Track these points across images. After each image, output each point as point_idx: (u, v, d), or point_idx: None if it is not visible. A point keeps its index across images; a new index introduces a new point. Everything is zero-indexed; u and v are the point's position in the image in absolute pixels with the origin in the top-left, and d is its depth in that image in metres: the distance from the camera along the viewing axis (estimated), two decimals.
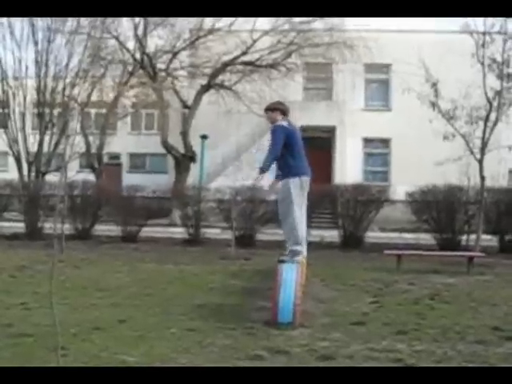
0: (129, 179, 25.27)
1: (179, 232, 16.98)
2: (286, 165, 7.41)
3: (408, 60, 19.04)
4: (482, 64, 14.10)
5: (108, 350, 5.58)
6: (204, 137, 23.33)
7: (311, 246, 12.84)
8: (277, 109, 7.65)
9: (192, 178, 23.48)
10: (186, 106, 25.53)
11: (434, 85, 14.36)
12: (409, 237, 16.16)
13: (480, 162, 14.36)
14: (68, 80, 19.85)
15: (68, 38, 19.78)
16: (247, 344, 5.89)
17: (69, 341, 5.60)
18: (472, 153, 14.44)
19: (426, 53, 16.55)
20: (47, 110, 19.43)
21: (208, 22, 23.17)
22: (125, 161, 33.29)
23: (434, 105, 14.40)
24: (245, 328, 6.52)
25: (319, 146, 26.33)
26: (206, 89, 24.66)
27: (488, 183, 14.77)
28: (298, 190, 7.39)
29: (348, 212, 16.25)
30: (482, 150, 14.30)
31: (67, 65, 19.72)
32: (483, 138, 14.26)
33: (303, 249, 7.49)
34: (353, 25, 20.80)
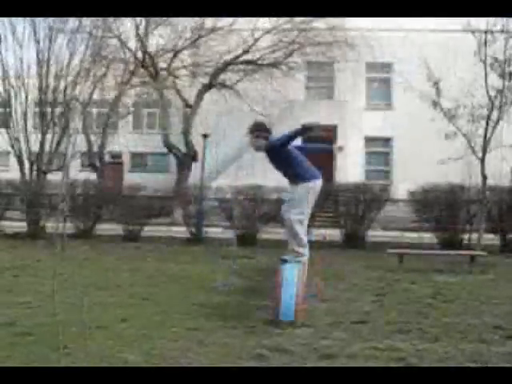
0: (130, 178, 25.26)
1: (181, 231, 16.98)
2: (301, 170, 7.37)
3: (410, 59, 19.05)
4: (484, 63, 14.08)
5: (110, 348, 5.58)
6: (206, 136, 23.32)
7: (313, 245, 12.89)
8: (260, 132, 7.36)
9: (193, 177, 23.46)
10: (187, 105, 25.52)
11: (436, 84, 14.34)
12: (411, 236, 16.15)
13: (482, 160, 14.35)
14: (70, 79, 19.82)
15: (70, 37, 19.76)
16: (249, 343, 5.89)
17: (71, 340, 5.60)
18: (474, 152, 14.42)
19: (428, 51, 16.57)
20: (49, 109, 19.42)
21: (209, 20, 23.15)
22: (126, 160, 33.27)
23: (435, 104, 14.39)
24: (247, 327, 6.52)
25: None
26: (207, 88, 24.65)
27: (490, 182, 14.76)
28: (314, 194, 7.40)
29: (350, 211, 16.25)
30: (484, 149, 14.28)
31: (69, 64, 19.68)
32: (485, 137, 14.25)
33: (306, 251, 7.48)
34: (354, 24, 20.77)
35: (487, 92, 14.07)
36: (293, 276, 6.93)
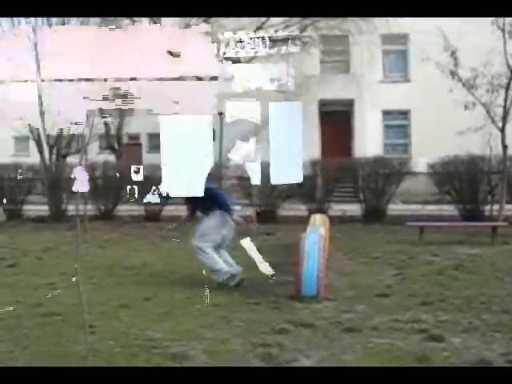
0: (149, 159, 25.33)
1: None
2: None
3: (426, 29, 18.74)
4: (503, 30, 13.82)
5: (135, 326, 5.67)
6: (221, 113, 23.32)
7: (333, 220, 12.91)
8: None
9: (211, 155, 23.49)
10: None
11: (453, 53, 14.12)
12: (431, 208, 16.06)
13: (502, 130, 14.17)
14: None
15: (82, 22, 19.70)
16: (272, 318, 5.94)
17: (96, 319, 5.70)
18: (493, 121, 14.24)
19: (444, 21, 16.22)
20: None
21: None
22: (144, 141, 33.34)
23: (453, 74, 14.19)
24: (269, 302, 6.57)
25: (338, 119, 26.17)
26: None
27: (511, 152, 14.58)
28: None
29: (369, 185, 16.19)
30: (504, 119, 14.10)
31: None
32: (505, 106, 14.05)
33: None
34: None
35: (506, 60, 13.84)
36: (314, 251, 6.96)
